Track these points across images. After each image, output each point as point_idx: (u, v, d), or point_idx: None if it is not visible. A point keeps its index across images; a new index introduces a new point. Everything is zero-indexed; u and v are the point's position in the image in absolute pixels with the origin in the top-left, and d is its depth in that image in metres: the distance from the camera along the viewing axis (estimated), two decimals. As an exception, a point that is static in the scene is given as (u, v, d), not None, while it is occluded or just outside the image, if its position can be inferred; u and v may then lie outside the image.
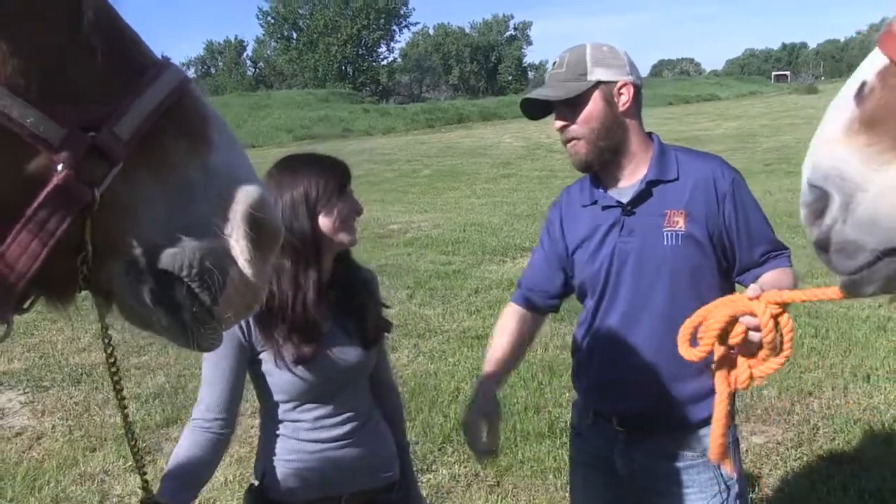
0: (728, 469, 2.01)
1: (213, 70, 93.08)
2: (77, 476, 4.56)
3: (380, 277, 9.02)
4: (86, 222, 0.87)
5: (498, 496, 3.98)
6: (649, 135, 2.27)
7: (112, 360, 1.26)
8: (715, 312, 1.68)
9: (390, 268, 9.50)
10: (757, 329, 1.63)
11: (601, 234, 2.22)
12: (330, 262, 2.11)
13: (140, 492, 1.65)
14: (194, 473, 1.97)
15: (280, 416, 2.11)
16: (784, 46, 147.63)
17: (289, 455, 2.09)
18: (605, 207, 2.22)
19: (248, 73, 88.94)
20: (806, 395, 5.01)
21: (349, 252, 2.20)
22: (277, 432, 2.11)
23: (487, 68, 62.99)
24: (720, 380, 1.78)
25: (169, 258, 0.91)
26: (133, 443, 1.57)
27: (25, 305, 0.96)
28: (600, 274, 2.22)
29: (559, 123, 2.21)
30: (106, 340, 1.19)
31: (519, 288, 2.49)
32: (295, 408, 2.09)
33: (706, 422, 2.18)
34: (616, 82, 2.16)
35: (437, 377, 5.76)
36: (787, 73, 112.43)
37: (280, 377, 2.04)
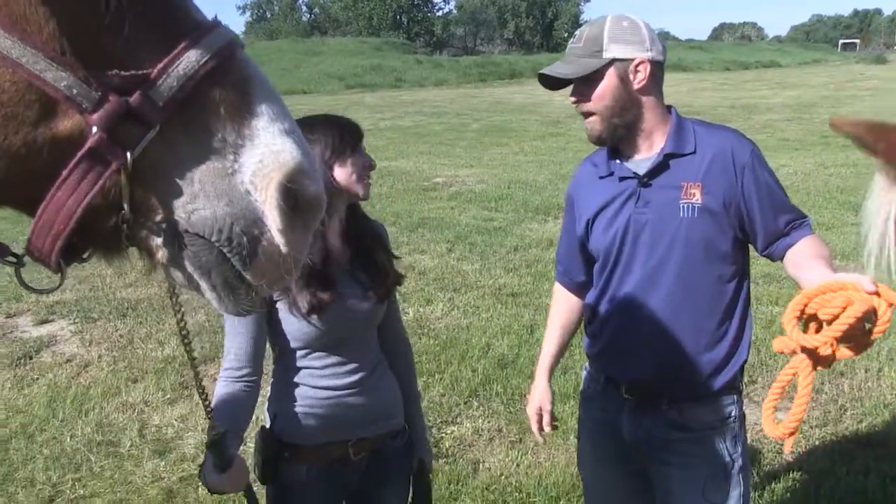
0: (787, 448, 2.01)
1: (268, 14, 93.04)
2: (119, 404, 4.78)
3: (421, 230, 9.14)
4: (123, 183, 0.90)
5: (519, 452, 4.06)
6: (668, 108, 2.27)
7: (182, 323, 1.33)
8: (831, 300, 1.60)
9: (432, 221, 9.56)
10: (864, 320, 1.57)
11: (617, 205, 2.25)
12: (342, 214, 2.17)
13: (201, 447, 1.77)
14: (237, 420, 2.08)
15: (291, 363, 2.20)
16: (856, 13, 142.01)
17: (298, 400, 2.18)
18: (621, 179, 2.24)
19: (303, 18, 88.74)
20: (837, 374, 4.97)
21: (359, 206, 2.26)
22: (288, 377, 2.21)
23: (543, 23, 61.78)
24: (807, 362, 1.73)
25: (201, 222, 0.93)
26: (203, 396, 1.70)
27: (85, 256, 1.01)
28: (614, 243, 2.25)
29: (573, 98, 2.23)
30: (176, 307, 1.26)
31: (558, 265, 2.57)
32: (306, 355, 2.18)
33: (715, 394, 2.26)
34: (632, 60, 2.15)
35: (469, 331, 5.84)
36: (857, 41, 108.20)
37: (293, 325, 2.12)
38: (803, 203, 9.91)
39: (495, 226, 9.29)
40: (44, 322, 6.21)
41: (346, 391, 2.20)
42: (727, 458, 2.28)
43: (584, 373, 2.56)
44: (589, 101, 2.19)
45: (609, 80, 2.15)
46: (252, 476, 2.09)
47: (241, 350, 2.12)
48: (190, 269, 0.98)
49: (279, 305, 2.13)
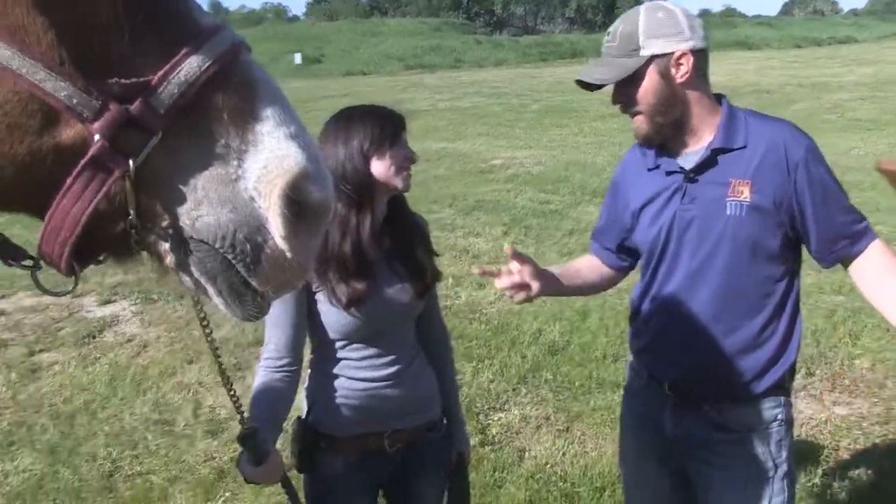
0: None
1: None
2: (175, 384, 4.91)
3: (477, 213, 9.12)
4: (128, 190, 0.90)
5: (566, 441, 4.03)
6: (718, 97, 2.16)
7: (209, 331, 1.36)
8: None
9: (488, 203, 9.53)
10: None
11: (663, 200, 2.16)
12: (383, 207, 2.16)
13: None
14: (276, 411, 2.11)
15: (329, 353, 2.20)
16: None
17: (335, 391, 2.19)
18: (668, 173, 2.16)
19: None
20: (902, 368, 4.80)
21: (403, 198, 2.24)
22: (326, 368, 2.21)
23: (606, 2, 60.69)
24: None
25: (205, 228, 0.93)
26: (232, 393, 1.73)
27: (100, 259, 1.02)
28: (659, 239, 2.18)
29: (615, 103, 2.14)
30: (201, 315, 1.28)
31: (594, 243, 2.50)
32: (344, 346, 2.18)
33: (759, 396, 2.17)
34: (672, 53, 2.03)
35: (521, 317, 5.81)
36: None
37: (332, 316, 2.13)
38: (874, 186, 9.53)
39: (552, 209, 9.20)
40: (107, 302, 6.41)
41: (383, 383, 2.20)
42: (770, 463, 2.19)
43: (626, 367, 2.50)
44: (632, 102, 2.09)
45: (650, 79, 2.05)
46: (288, 465, 2.11)
47: (281, 340, 2.14)
48: (196, 274, 0.98)
49: (318, 296, 2.14)
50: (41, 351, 5.53)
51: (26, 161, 0.88)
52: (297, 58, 37.53)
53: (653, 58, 2.04)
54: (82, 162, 0.88)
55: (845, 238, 2.08)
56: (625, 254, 2.41)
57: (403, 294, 2.19)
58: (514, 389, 4.68)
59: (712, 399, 2.20)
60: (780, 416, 2.20)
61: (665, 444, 2.30)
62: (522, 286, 2.11)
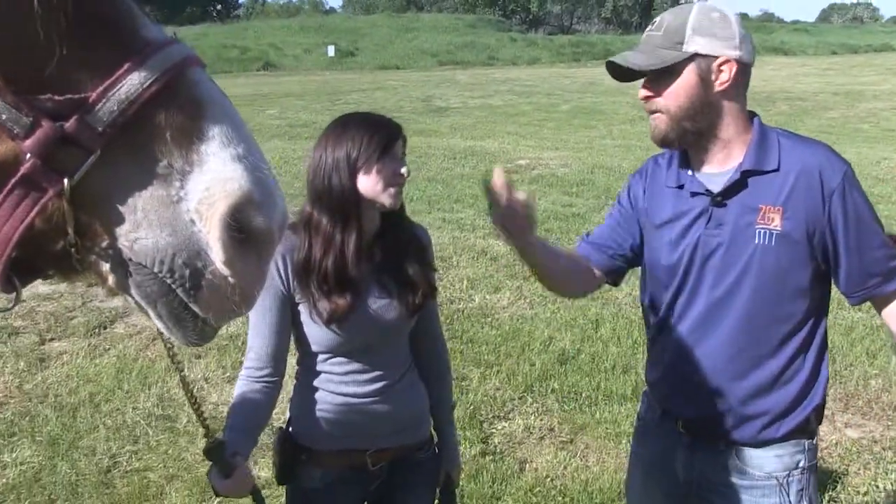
0: None
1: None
2: (181, 380, 4.88)
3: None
4: (65, 209, 0.87)
5: (568, 454, 3.94)
6: (751, 116, 2.00)
7: (173, 353, 1.33)
8: None
9: (510, 205, 9.43)
10: None
11: (686, 223, 2.00)
12: (373, 221, 2.09)
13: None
14: (253, 422, 2.07)
15: (312, 365, 2.15)
16: None
17: (317, 404, 2.13)
18: (693, 194, 2.00)
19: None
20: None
21: (401, 209, 2.16)
22: (309, 380, 2.16)
23: (642, 2, 60.11)
24: None
25: (143, 251, 0.90)
26: (194, 402, 1.69)
27: (49, 274, 1.00)
28: (680, 265, 2.02)
29: (643, 93, 1.97)
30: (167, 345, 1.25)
31: (586, 240, 2.26)
32: (327, 360, 2.12)
33: (779, 440, 2.02)
34: (717, 57, 1.88)
35: (533, 323, 5.72)
36: None
37: (314, 329, 2.07)
38: (905, 200, 9.32)
39: (574, 212, 9.09)
40: (120, 293, 6.42)
41: (368, 399, 2.13)
42: None
43: (642, 399, 2.34)
44: (661, 97, 1.93)
45: (687, 77, 1.89)
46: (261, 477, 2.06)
47: (262, 350, 2.09)
48: (136, 297, 0.95)
49: (301, 308, 2.08)
50: (51, 340, 5.55)
51: None
52: (331, 50, 37.64)
53: (695, 56, 1.89)
54: (13, 181, 0.85)
55: (878, 275, 1.94)
56: (617, 261, 2.21)
57: (391, 311, 2.11)
58: (520, 398, 4.60)
59: (729, 440, 2.05)
60: (801, 464, 2.04)
61: (674, 486, 2.17)
62: (515, 224, 1.95)
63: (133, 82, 0.86)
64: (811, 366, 2.00)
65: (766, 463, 2.03)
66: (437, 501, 2.36)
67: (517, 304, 6.18)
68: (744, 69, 1.93)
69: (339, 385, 2.12)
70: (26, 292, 4.04)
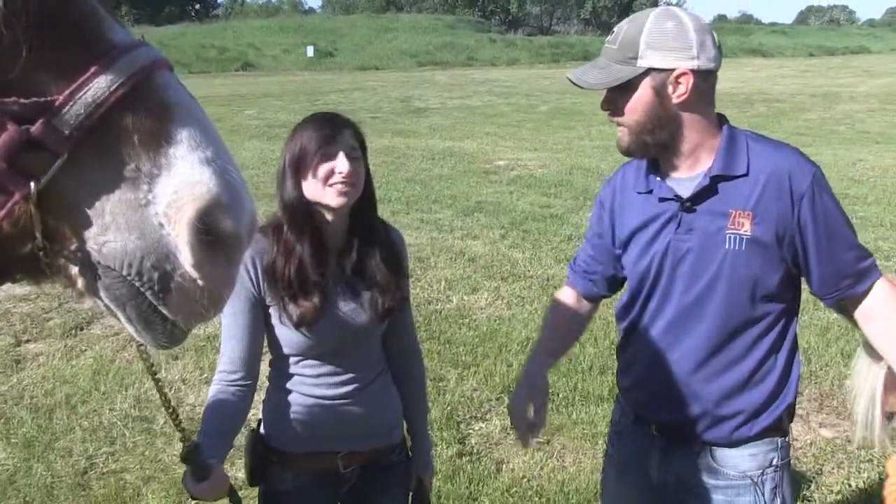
0: None
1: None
2: (154, 383, 4.85)
3: (476, 215, 9.10)
4: (32, 212, 0.87)
5: (545, 454, 3.97)
6: (720, 118, 2.00)
7: (146, 356, 1.34)
8: None
9: (488, 205, 9.48)
10: None
11: (655, 228, 2.01)
12: (336, 224, 2.08)
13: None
14: (227, 425, 2.07)
15: (284, 368, 2.15)
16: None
17: (289, 406, 2.13)
18: (662, 199, 2.00)
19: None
20: None
21: (370, 211, 2.15)
22: (280, 382, 2.16)
23: (622, 4, 60.35)
24: None
25: (111, 254, 0.90)
26: (168, 405, 1.69)
27: (17, 277, 1.00)
28: (650, 270, 2.03)
29: (604, 107, 1.98)
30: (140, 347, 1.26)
31: (573, 267, 2.34)
32: (298, 362, 2.13)
33: (753, 439, 2.05)
34: (672, 70, 1.86)
35: (511, 324, 5.75)
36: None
37: (284, 332, 2.08)
38: (879, 201, 9.46)
39: (552, 213, 9.14)
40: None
41: (339, 402, 2.13)
42: None
43: (615, 404, 2.36)
44: (620, 112, 1.93)
45: (642, 93, 1.88)
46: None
47: (235, 353, 2.09)
48: (105, 300, 0.95)
49: (272, 311, 2.08)
50: (27, 341, 5.51)
51: None
52: (310, 50, 37.53)
53: (650, 70, 1.87)
54: None
55: (850, 276, 1.95)
56: (606, 283, 2.28)
57: (360, 314, 2.11)
58: (497, 399, 4.62)
59: (703, 441, 2.08)
60: (775, 461, 2.07)
61: (648, 487, 2.19)
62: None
63: (100, 85, 0.86)
64: (783, 365, 2.03)
65: (740, 462, 2.05)
66: None
67: (495, 305, 6.22)
68: (704, 76, 1.90)
69: (310, 387, 2.13)
70: (2, 293, 4.02)
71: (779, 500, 2.07)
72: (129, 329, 0.98)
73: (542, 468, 3.86)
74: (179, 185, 0.88)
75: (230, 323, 2.08)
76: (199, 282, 0.92)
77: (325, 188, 1.99)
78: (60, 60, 0.87)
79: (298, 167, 2.01)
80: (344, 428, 2.15)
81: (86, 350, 5.35)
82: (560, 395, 4.58)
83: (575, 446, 4.02)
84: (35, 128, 0.84)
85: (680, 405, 2.05)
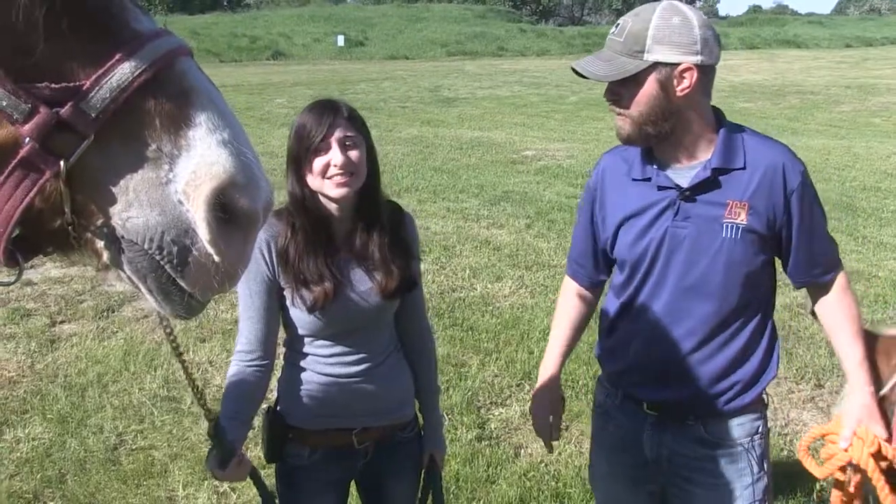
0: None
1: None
2: (186, 362, 4.98)
3: (503, 204, 9.10)
4: (62, 189, 0.93)
5: (563, 440, 4.01)
6: (715, 112, 2.09)
7: (173, 338, 1.41)
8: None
9: (515, 195, 9.51)
10: None
11: (652, 215, 2.09)
12: (342, 210, 2.12)
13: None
14: (245, 407, 2.17)
15: (299, 347, 2.22)
16: None
17: (304, 384, 2.20)
18: (660, 188, 2.08)
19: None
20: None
21: (376, 196, 2.18)
22: (296, 361, 2.23)
23: (655, -7, 59.79)
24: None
25: (134, 229, 0.96)
26: (195, 386, 1.76)
27: (48, 251, 1.06)
28: (646, 255, 2.11)
29: (607, 98, 2.05)
30: (165, 323, 1.36)
31: (572, 262, 2.43)
32: (312, 342, 2.19)
33: (741, 411, 2.17)
34: (677, 65, 1.93)
35: (534, 312, 5.79)
36: None
37: (297, 314, 2.14)
38: (910, 196, 9.34)
39: (578, 203, 9.12)
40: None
41: (352, 379, 2.20)
42: (754, 477, 2.18)
43: (597, 386, 2.44)
44: (623, 104, 2.00)
45: (648, 87, 1.95)
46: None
47: (252, 334, 2.16)
48: (128, 272, 1.01)
49: (286, 293, 2.14)
50: (62, 322, 5.67)
51: None
52: (340, 40, 37.63)
53: (656, 65, 1.94)
54: (13, 162, 0.91)
55: (820, 266, 2.13)
56: (602, 269, 2.36)
57: (370, 296, 2.16)
58: (517, 385, 4.68)
59: (698, 415, 2.18)
60: (760, 429, 2.21)
61: (641, 466, 2.26)
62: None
63: (124, 71, 0.92)
64: (767, 342, 2.18)
65: (731, 431, 2.18)
66: (421, 483, 2.43)
67: (518, 294, 6.26)
68: (706, 71, 1.98)
69: (324, 366, 2.19)
70: (38, 276, 4.18)
71: (766, 463, 2.22)
72: (150, 300, 1.04)
73: (559, 453, 3.91)
74: (198, 165, 0.94)
75: (247, 304, 2.14)
76: (215, 257, 0.97)
77: (324, 181, 2.05)
78: (87, 48, 0.92)
79: (297, 163, 2.07)
80: (358, 405, 2.21)
81: (117, 332, 5.49)
82: (580, 383, 4.62)
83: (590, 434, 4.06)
84: (64, 111, 0.90)
85: (676, 384, 2.15)
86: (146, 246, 0.97)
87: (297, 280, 2.09)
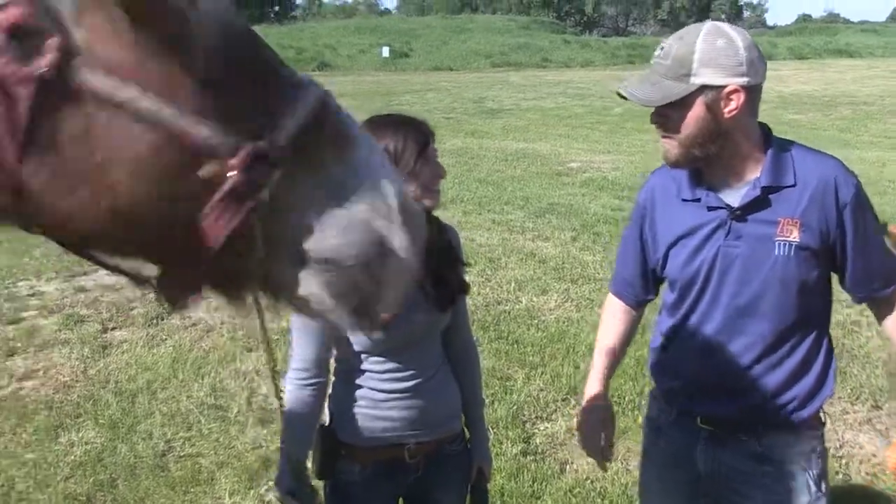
0: None
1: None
2: (233, 371, 5.05)
3: (548, 216, 9.07)
4: (255, 223, 0.98)
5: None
6: (763, 128, 2.07)
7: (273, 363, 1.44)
8: None
9: (560, 207, 9.47)
10: None
11: (704, 235, 2.09)
12: None
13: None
14: (307, 429, 2.20)
15: (351, 364, 2.22)
16: None
17: (356, 400, 2.21)
18: (711, 208, 2.07)
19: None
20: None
21: (431, 210, 2.19)
22: (347, 377, 2.24)
23: (699, 4, 59.17)
24: None
25: (332, 248, 1.00)
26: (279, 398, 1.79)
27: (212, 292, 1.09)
28: (699, 276, 2.11)
29: (654, 119, 2.03)
30: (266, 344, 1.37)
31: (619, 278, 2.41)
32: (365, 358, 2.19)
33: (797, 428, 2.15)
34: (724, 87, 1.92)
35: (579, 326, 5.75)
36: None
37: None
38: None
39: (624, 216, 9.04)
40: (178, 285, 6.64)
41: (404, 395, 2.20)
42: (812, 496, 2.14)
43: (650, 401, 2.42)
44: (671, 127, 1.98)
45: (696, 110, 1.94)
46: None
47: (307, 352, 2.17)
48: (322, 296, 1.05)
49: None
50: (113, 329, 5.79)
51: (165, 201, 0.96)
52: (385, 51, 37.95)
53: (703, 88, 1.93)
54: (220, 194, 0.96)
55: (878, 279, 2.10)
56: (650, 289, 2.35)
57: (425, 309, 2.18)
58: (563, 400, 4.64)
59: (755, 430, 2.15)
60: (818, 448, 2.18)
61: (694, 482, 2.24)
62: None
63: (301, 111, 1.00)
64: (824, 358, 2.14)
65: (787, 449, 2.14)
66: (468, 496, 2.43)
67: (564, 307, 6.22)
68: (752, 92, 1.97)
69: (377, 382, 2.20)
70: (92, 282, 4.25)
71: (824, 484, 2.16)
72: (342, 321, 1.07)
73: (606, 470, 3.86)
74: (374, 182, 1.03)
75: (303, 323, 2.15)
76: (407, 264, 1.05)
77: (423, 193, 2.06)
78: (273, 92, 1.01)
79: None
80: (409, 420, 2.22)
81: (166, 339, 5.58)
82: (626, 398, 4.56)
83: (640, 450, 4.00)
84: (263, 144, 0.97)
85: (731, 398, 2.14)
86: (346, 263, 1.01)
87: None
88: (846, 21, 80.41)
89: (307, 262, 1.01)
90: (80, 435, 4.27)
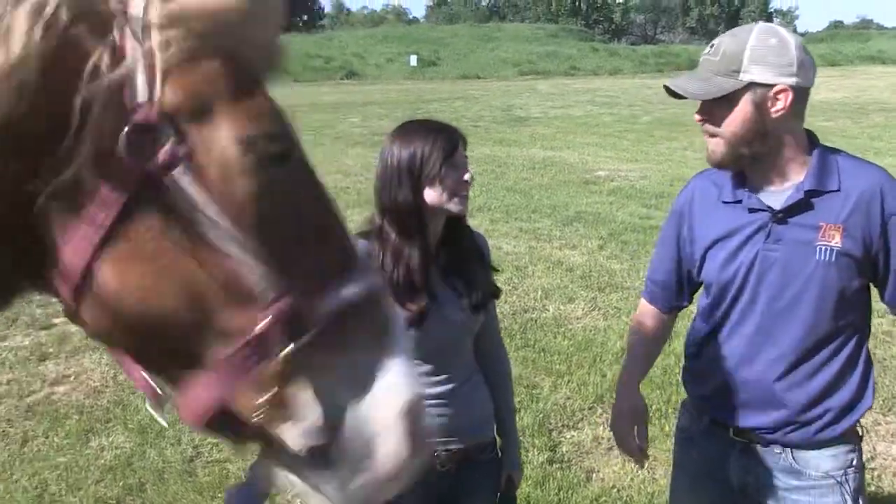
0: None
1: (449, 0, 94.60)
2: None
3: (576, 224, 9.02)
4: (271, 374, 0.97)
5: (635, 465, 3.93)
6: (809, 135, 2.05)
7: None
8: None
9: (588, 215, 9.44)
10: None
11: (743, 237, 2.06)
12: (438, 229, 2.17)
13: None
14: None
15: None
16: None
17: None
18: (752, 210, 2.04)
19: (483, 2, 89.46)
20: None
21: (462, 218, 2.23)
22: None
23: (729, 12, 58.67)
24: None
25: (320, 437, 1.00)
26: None
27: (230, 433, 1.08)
28: (736, 278, 2.07)
29: (699, 117, 2.02)
30: None
31: (651, 283, 2.39)
32: None
33: (833, 441, 2.09)
34: (773, 86, 1.90)
35: (606, 334, 5.72)
36: None
37: None
38: None
39: (652, 224, 9.00)
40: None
41: (437, 401, 2.20)
42: None
43: (682, 410, 2.39)
44: (717, 124, 1.97)
45: (743, 106, 1.92)
46: None
47: None
48: (309, 481, 1.04)
49: None
50: (143, 335, 5.85)
51: (197, 328, 0.97)
52: (413, 59, 38.16)
53: (752, 85, 1.92)
54: (248, 337, 0.96)
55: None
56: (685, 295, 2.32)
57: (459, 311, 2.20)
58: (589, 408, 4.62)
59: (785, 443, 2.11)
60: (855, 462, 2.12)
61: (726, 494, 2.20)
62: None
63: (351, 287, 1.00)
64: (862, 369, 2.09)
65: (822, 463, 2.09)
66: None
67: (591, 315, 6.19)
68: (800, 93, 1.95)
69: None
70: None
71: (861, 499, 2.11)
72: (327, 495, 1.06)
73: (632, 479, 3.85)
74: (392, 387, 1.01)
75: None
76: (402, 454, 1.03)
77: (451, 197, 2.09)
78: (326, 259, 1.02)
79: (419, 174, 2.08)
80: (442, 426, 2.22)
81: (196, 345, 5.63)
82: (653, 407, 4.52)
83: (666, 458, 3.96)
84: (301, 304, 0.97)
85: (765, 410, 2.09)
86: (337, 443, 1.01)
87: (394, 297, 2.12)
88: (879, 27, 79.29)
89: (306, 428, 1.00)
90: (111, 439, 4.33)
